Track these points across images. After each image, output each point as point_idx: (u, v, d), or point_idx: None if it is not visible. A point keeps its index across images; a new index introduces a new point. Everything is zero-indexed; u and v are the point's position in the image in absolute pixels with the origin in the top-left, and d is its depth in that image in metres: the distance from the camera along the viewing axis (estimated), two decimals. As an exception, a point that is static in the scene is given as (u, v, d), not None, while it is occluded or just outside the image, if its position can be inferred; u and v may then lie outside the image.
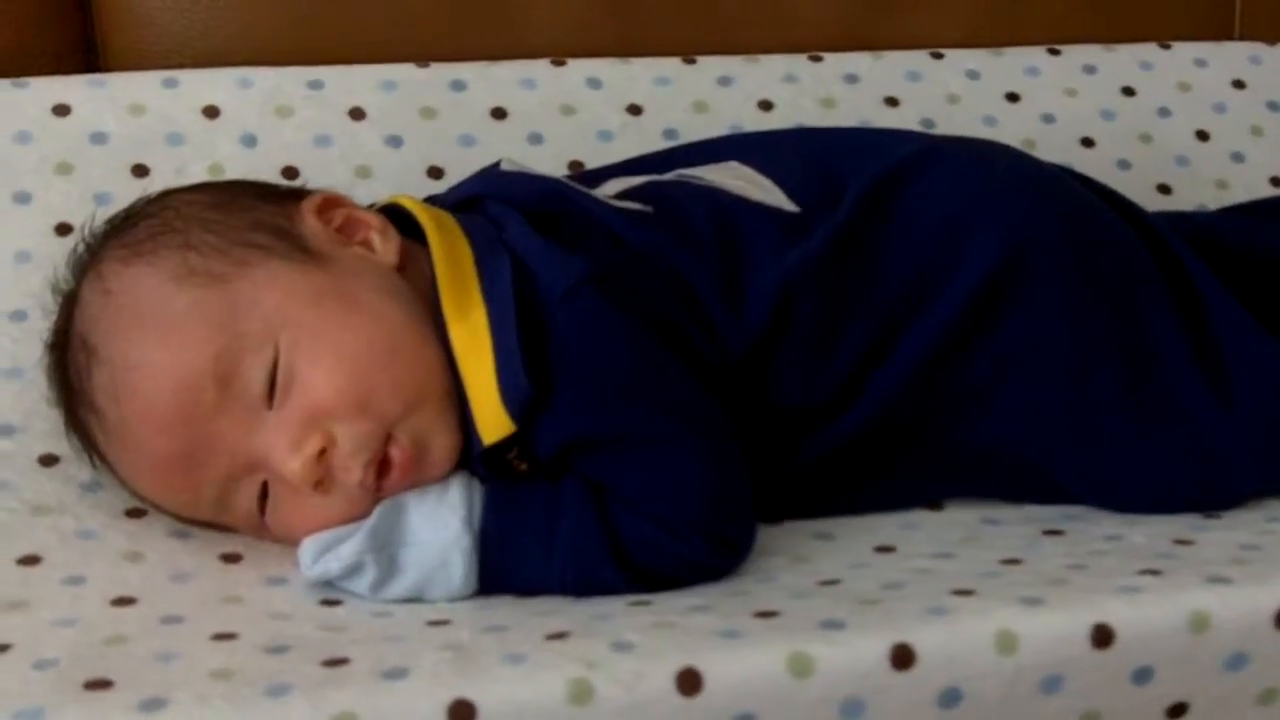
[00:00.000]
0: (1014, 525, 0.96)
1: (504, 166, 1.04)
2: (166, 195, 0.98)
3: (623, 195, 1.02)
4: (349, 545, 0.87)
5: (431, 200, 1.03)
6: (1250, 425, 0.98)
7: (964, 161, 1.04)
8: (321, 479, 0.88)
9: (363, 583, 0.87)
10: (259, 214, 0.94)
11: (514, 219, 0.96)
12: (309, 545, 0.88)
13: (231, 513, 0.91)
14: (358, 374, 0.89)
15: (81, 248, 0.97)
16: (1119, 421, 0.98)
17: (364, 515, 0.89)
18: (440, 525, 0.89)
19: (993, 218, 0.99)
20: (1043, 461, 0.98)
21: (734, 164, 1.05)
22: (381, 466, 0.89)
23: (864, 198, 0.99)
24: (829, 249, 0.97)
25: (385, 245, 0.96)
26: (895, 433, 0.97)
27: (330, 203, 0.97)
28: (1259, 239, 1.11)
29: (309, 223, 0.95)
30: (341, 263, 0.93)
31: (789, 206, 1.01)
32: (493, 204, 0.99)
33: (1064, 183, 1.07)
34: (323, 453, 0.88)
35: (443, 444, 0.91)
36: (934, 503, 0.99)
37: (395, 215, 0.98)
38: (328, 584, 0.88)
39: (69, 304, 0.94)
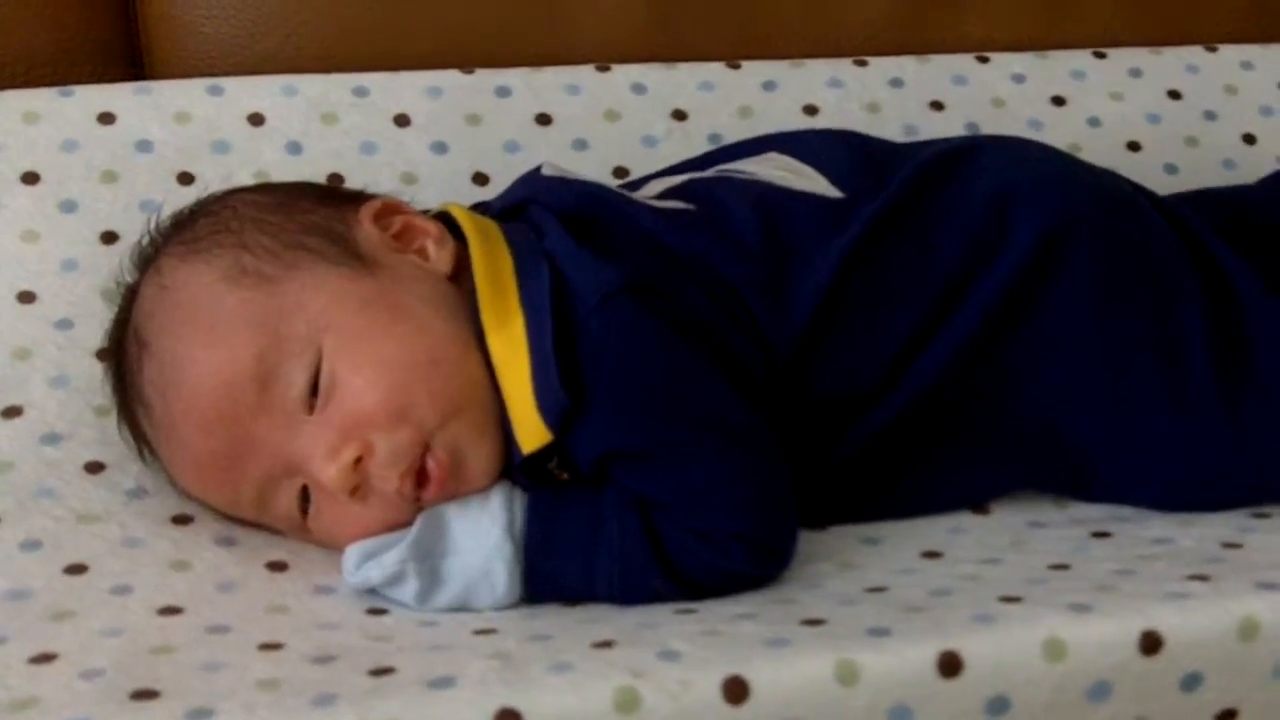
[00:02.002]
0: (1061, 528, 0.96)
1: (545, 171, 1.04)
2: (230, 194, 0.98)
3: (665, 195, 1.02)
4: (391, 554, 0.88)
5: (480, 207, 1.04)
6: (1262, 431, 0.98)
7: (1006, 151, 1.06)
8: (358, 486, 0.88)
9: (407, 593, 0.88)
10: (315, 217, 0.95)
11: (553, 225, 0.96)
12: (352, 552, 0.88)
13: (272, 513, 0.92)
14: (399, 383, 0.89)
15: (146, 241, 0.98)
16: (1151, 411, 0.98)
17: (406, 522, 0.89)
18: (482, 534, 0.89)
19: (1035, 198, 1.00)
20: (1080, 447, 0.98)
21: (773, 154, 1.06)
22: (420, 477, 0.89)
23: (909, 181, 1.00)
24: (870, 232, 0.97)
25: (440, 254, 0.96)
26: (938, 417, 0.97)
27: (389, 209, 0.98)
28: None
29: (365, 228, 0.95)
30: (393, 270, 0.93)
31: (833, 193, 1.01)
32: (535, 209, 0.99)
33: (1105, 176, 1.08)
34: (359, 461, 0.88)
35: (481, 455, 0.90)
36: (980, 506, 0.99)
37: (445, 223, 0.99)
38: (373, 593, 0.88)
39: (129, 297, 0.95)
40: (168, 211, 1.00)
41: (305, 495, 0.91)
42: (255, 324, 0.89)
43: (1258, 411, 0.98)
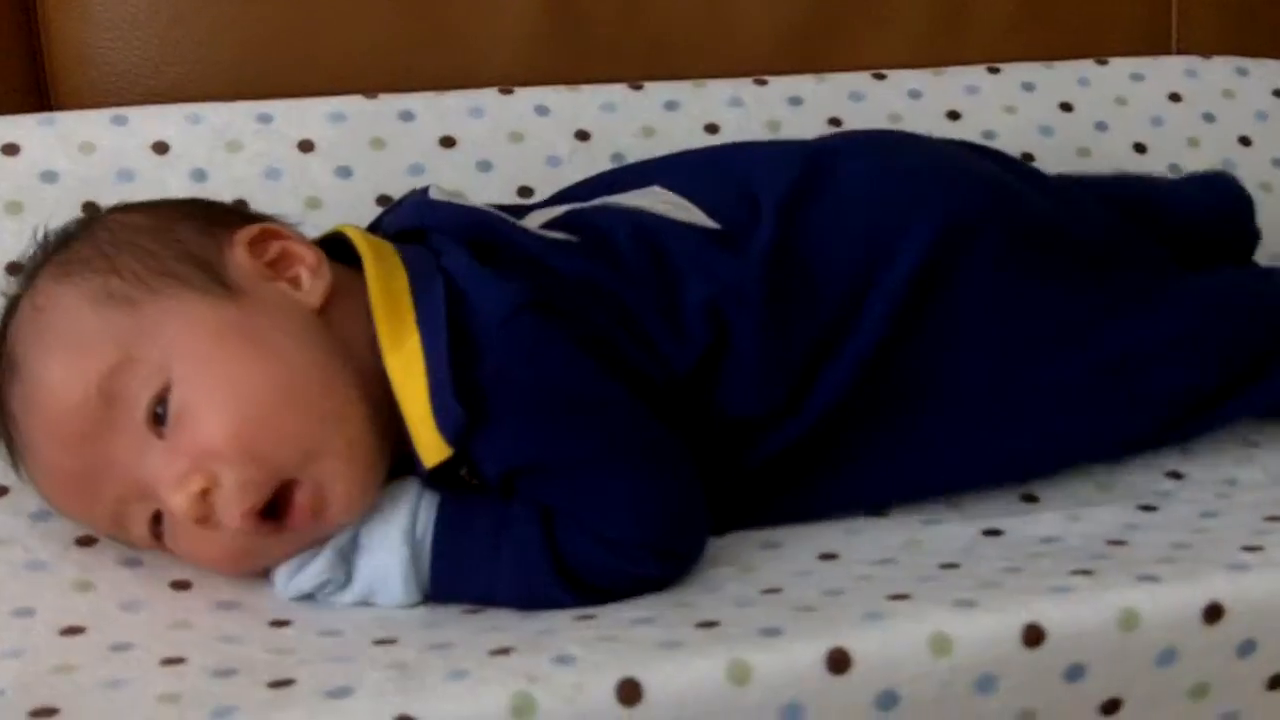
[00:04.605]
0: (954, 526, 0.98)
1: (433, 195, 1.04)
2: (110, 214, 0.98)
3: (547, 226, 1.03)
4: (318, 564, 0.90)
5: (375, 228, 1.04)
6: (1174, 321, 1.02)
7: (873, 153, 1.09)
8: (206, 516, 0.87)
9: (329, 590, 0.90)
10: (190, 243, 0.94)
11: (452, 247, 0.97)
12: (282, 571, 0.91)
13: (127, 534, 0.92)
14: (249, 418, 0.88)
15: (34, 252, 0.98)
16: (1038, 386, 1.01)
17: (263, 552, 0.90)
18: (384, 536, 0.90)
19: (919, 204, 1.02)
20: (970, 445, 1.01)
21: (656, 189, 1.07)
22: (275, 511, 0.89)
23: (783, 208, 1.02)
24: (765, 266, 0.99)
25: (313, 284, 0.95)
26: (844, 431, 0.99)
27: (267, 234, 0.97)
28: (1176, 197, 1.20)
29: (237, 255, 0.95)
30: (259, 299, 0.93)
31: (710, 224, 1.03)
32: (435, 236, 0.99)
33: (974, 158, 1.11)
34: (205, 492, 0.87)
35: (344, 494, 0.90)
36: (878, 507, 1.01)
37: (338, 243, 0.99)
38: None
39: (9, 312, 0.95)
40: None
41: (158, 519, 0.91)
42: (108, 344, 0.89)
43: (1157, 318, 1.02)
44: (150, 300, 0.91)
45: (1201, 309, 1.05)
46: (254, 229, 0.97)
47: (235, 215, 1.02)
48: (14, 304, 0.95)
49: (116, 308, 0.91)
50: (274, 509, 0.89)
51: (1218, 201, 1.22)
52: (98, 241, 0.94)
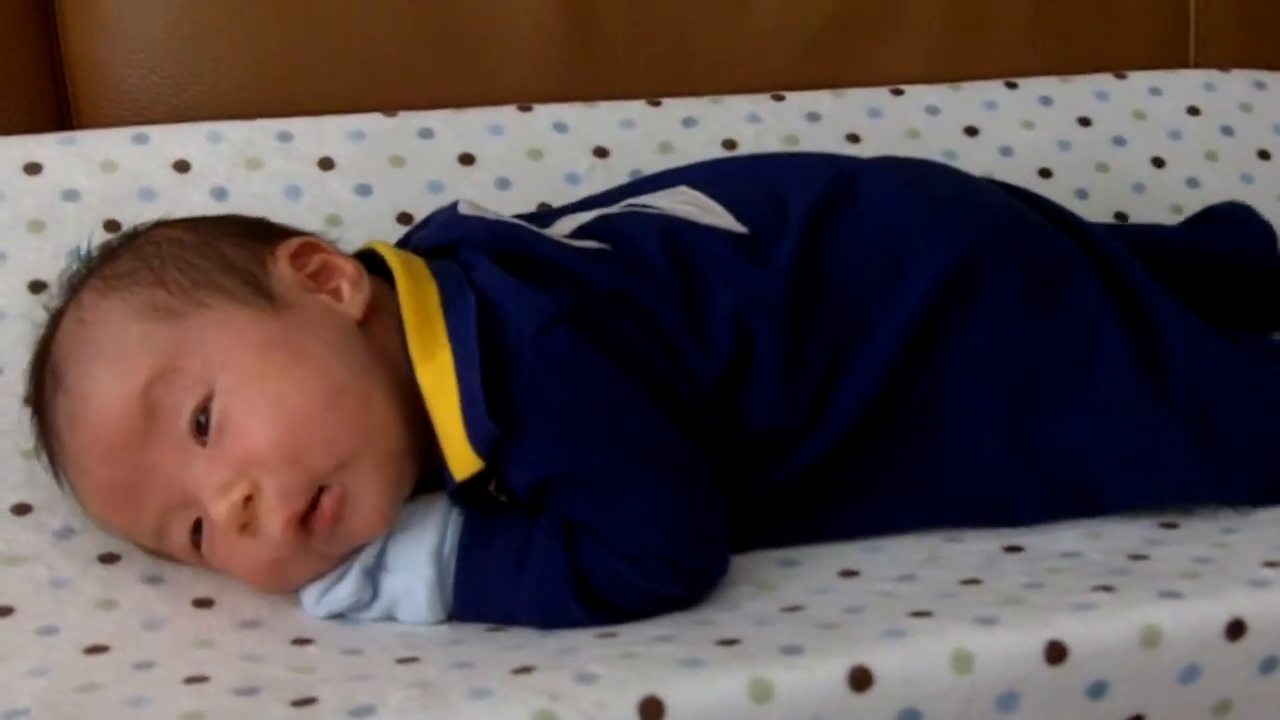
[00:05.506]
0: (975, 543, 0.97)
1: (462, 209, 1.04)
2: (156, 229, 0.99)
3: (577, 233, 1.03)
4: (346, 584, 0.90)
5: (404, 244, 1.05)
6: (1187, 415, 1.00)
7: (900, 178, 1.08)
8: (247, 523, 0.88)
9: (357, 608, 0.91)
10: (234, 256, 0.95)
11: (483, 261, 0.97)
12: (310, 592, 0.91)
13: (169, 543, 0.92)
14: (292, 426, 0.89)
15: (76, 267, 0.98)
16: (1058, 425, 1.00)
17: (297, 565, 0.91)
18: (410, 555, 0.91)
19: (939, 231, 1.02)
20: (988, 474, 1.00)
21: (682, 188, 1.08)
22: (305, 523, 0.89)
23: (810, 218, 1.02)
24: (788, 276, 0.99)
25: (353, 296, 0.96)
26: (865, 450, 0.99)
27: (307, 248, 0.98)
28: (1199, 243, 1.17)
29: (280, 268, 0.96)
30: (301, 311, 0.94)
31: (737, 228, 1.03)
32: (465, 251, 1.00)
33: (998, 194, 1.10)
34: (249, 499, 0.88)
35: (373, 501, 0.90)
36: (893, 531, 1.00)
37: (371, 259, 1.00)
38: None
39: (52, 325, 0.96)
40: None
41: (197, 527, 0.91)
42: (151, 354, 0.90)
43: (1171, 406, 1.00)
44: (195, 312, 0.92)
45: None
46: (295, 242, 0.98)
47: (274, 230, 1.02)
48: (57, 318, 0.96)
49: (160, 320, 0.91)
50: (306, 517, 0.90)
51: (1244, 238, 1.21)
52: (143, 255, 0.95)
